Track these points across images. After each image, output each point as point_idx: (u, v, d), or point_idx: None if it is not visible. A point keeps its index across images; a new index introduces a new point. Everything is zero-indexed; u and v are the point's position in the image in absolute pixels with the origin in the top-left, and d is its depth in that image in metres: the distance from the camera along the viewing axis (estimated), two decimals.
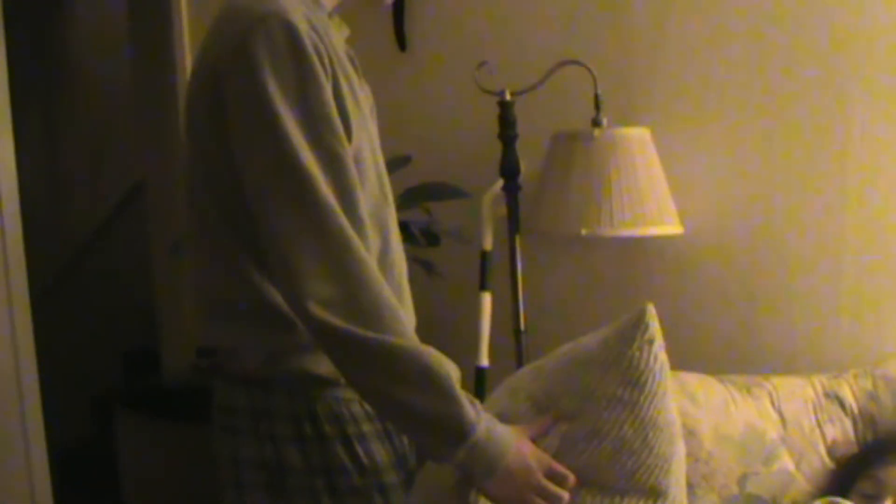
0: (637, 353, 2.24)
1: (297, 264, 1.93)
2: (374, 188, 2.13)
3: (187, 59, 4.18)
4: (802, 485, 2.95)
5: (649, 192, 3.15)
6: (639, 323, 2.26)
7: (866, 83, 3.26)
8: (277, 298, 2.03)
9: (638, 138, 3.19)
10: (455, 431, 1.99)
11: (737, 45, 3.36)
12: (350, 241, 1.95)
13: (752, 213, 3.37)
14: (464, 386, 2.02)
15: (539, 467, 2.12)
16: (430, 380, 1.97)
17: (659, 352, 2.26)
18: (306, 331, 1.97)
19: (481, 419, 2.01)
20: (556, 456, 2.16)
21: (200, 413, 2.18)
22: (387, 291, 1.98)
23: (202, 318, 2.15)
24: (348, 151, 2.01)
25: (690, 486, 2.48)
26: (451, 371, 2.01)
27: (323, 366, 2.04)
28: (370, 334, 1.93)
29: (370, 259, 1.99)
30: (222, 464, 2.17)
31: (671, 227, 3.19)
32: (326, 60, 2.00)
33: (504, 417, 2.17)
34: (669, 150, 3.28)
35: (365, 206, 2.04)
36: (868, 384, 3.10)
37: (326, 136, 1.98)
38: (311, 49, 1.98)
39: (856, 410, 3.07)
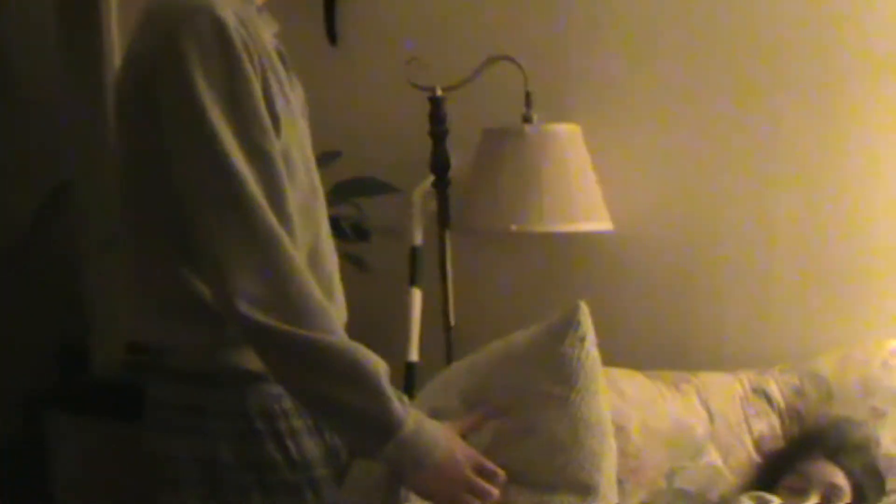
0: (569, 351, 2.25)
1: (226, 262, 1.92)
2: (303, 184, 2.12)
3: (116, 56, 4.14)
4: (730, 479, 2.97)
5: (579, 189, 3.16)
6: (571, 320, 2.27)
7: (793, 82, 3.30)
8: (208, 294, 2.02)
9: (568, 135, 3.20)
10: (383, 427, 1.99)
11: (667, 42, 3.38)
12: (278, 238, 1.94)
13: (681, 210, 3.40)
14: (393, 382, 2.02)
15: (468, 463, 2.12)
16: (358, 376, 1.97)
17: (591, 349, 2.27)
18: (234, 328, 1.96)
19: (410, 415, 2.01)
20: (486, 452, 2.16)
21: (132, 410, 2.16)
22: (315, 288, 1.98)
23: (134, 314, 2.14)
24: (277, 149, 2.00)
25: (619, 482, 2.48)
26: (380, 367, 2.00)
27: (254, 361, 2.03)
28: (298, 331, 1.92)
29: (298, 256, 1.98)
30: (155, 461, 2.15)
31: (601, 224, 3.20)
32: (256, 57, 1.99)
33: (434, 413, 2.17)
34: (600, 146, 3.28)
35: (293, 202, 2.03)
36: (795, 380, 3.13)
37: (255, 133, 1.96)
38: (240, 45, 1.96)
39: (782, 406, 3.10)
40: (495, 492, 2.15)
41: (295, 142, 2.09)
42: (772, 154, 3.35)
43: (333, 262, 2.25)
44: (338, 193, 3.08)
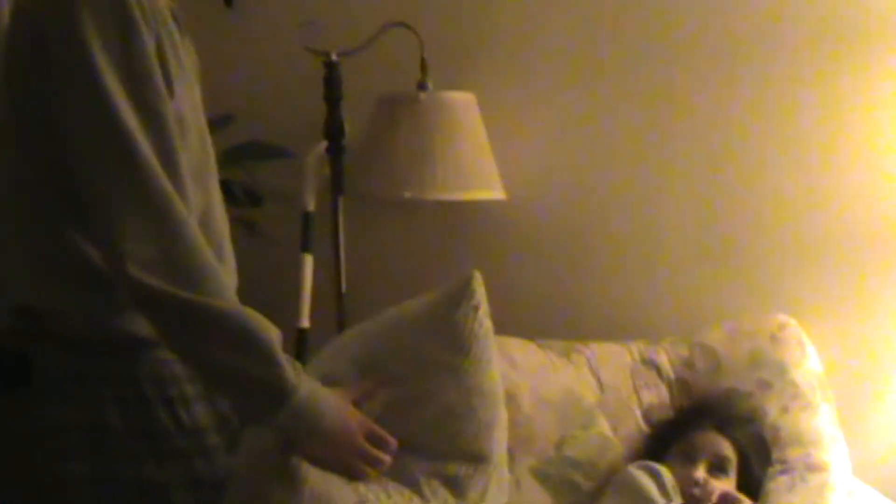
0: (462, 320, 2.25)
1: (116, 224, 1.89)
2: (195, 147, 2.09)
3: (4, 10, 4.04)
4: (618, 448, 3.00)
5: (473, 157, 3.16)
6: (464, 289, 2.27)
7: (688, 55, 3.33)
8: (98, 258, 1.98)
9: (463, 103, 3.20)
10: (275, 393, 1.97)
11: (563, 13, 3.38)
12: (170, 201, 1.91)
13: (575, 180, 3.41)
14: (284, 348, 2.00)
15: (360, 431, 2.11)
16: (249, 341, 1.95)
17: (484, 318, 2.27)
18: (124, 292, 1.93)
19: (302, 381, 2.00)
20: (378, 420, 2.16)
21: (18, 377, 2.11)
22: (207, 252, 1.95)
23: (20, 278, 2.09)
24: (170, 111, 1.96)
25: (509, 450, 2.50)
26: (272, 333, 1.99)
27: (144, 327, 2.00)
28: (189, 296, 1.90)
29: (191, 220, 1.95)
30: (43, 430, 2.10)
31: (494, 193, 3.20)
32: (150, 18, 1.95)
33: (327, 380, 2.16)
34: (494, 115, 3.28)
35: (186, 165, 2.00)
36: (684, 352, 3.16)
37: (148, 94, 1.93)
38: (134, 6, 1.92)
39: (672, 376, 3.13)
40: (387, 459, 2.15)
41: (188, 104, 2.06)
42: (664, 126, 3.37)
43: (225, 227, 2.22)
44: (230, 157, 3.04)
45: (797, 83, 3.32)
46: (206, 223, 2.10)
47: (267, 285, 2.80)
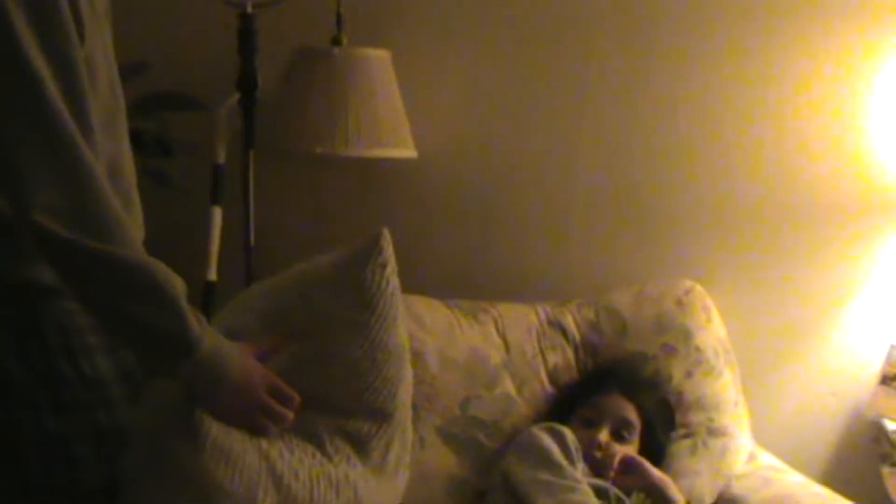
0: (370, 277, 2.25)
1: (22, 170, 1.86)
2: (105, 94, 2.06)
3: None
4: (523, 409, 3.01)
5: (386, 115, 3.14)
6: (373, 247, 2.26)
7: (609, 24, 3.36)
8: (2, 205, 1.95)
9: (378, 60, 3.18)
10: (179, 345, 1.96)
11: None
12: (78, 148, 1.88)
13: (487, 140, 3.41)
14: (191, 300, 1.99)
15: (264, 385, 2.11)
16: (154, 293, 1.94)
17: (391, 276, 2.27)
18: (29, 240, 1.90)
19: (206, 334, 1.99)
20: (283, 375, 2.16)
21: None
22: (114, 202, 1.92)
23: None
24: (81, 56, 1.93)
25: (414, 408, 2.50)
26: (177, 284, 1.97)
27: (47, 275, 1.97)
28: (96, 245, 1.88)
29: (99, 168, 1.92)
30: None
31: (405, 151, 3.19)
32: None
33: (233, 334, 2.15)
34: (409, 73, 3.27)
35: (95, 113, 1.96)
36: (591, 314, 3.18)
37: (58, 38, 1.89)
38: None
39: (578, 339, 3.15)
40: (290, 415, 2.15)
41: (100, 49, 2.03)
42: (578, 88, 3.39)
43: (132, 177, 2.20)
44: (141, 106, 3.00)
45: (715, 54, 3.35)
46: (114, 172, 2.07)
47: (175, 237, 2.78)
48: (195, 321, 1.97)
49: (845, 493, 2.86)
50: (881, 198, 3.33)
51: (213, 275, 3.13)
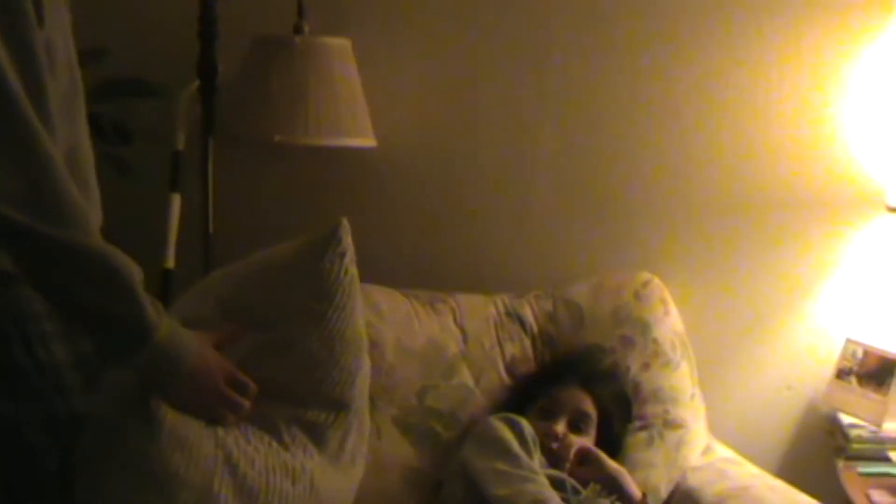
0: (328, 267, 2.24)
1: None
2: (64, 79, 2.04)
3: None
4: (480, 400, 3.01)
5: (345, 103, 3.14)
6: (332, 236, 2.26)
7: (569, 16, 3.37)
8: None
9: (338, 48, 3.17)
10: (135, 333, 1.95)
11: None
12: (36, 133, 1.87)
13: (446, 131, 3.41)
14: (149, 288, 1.98)
15: (221, 374, 2.10)
16: (111, 279, 1.93)
17: (350, 266, 2.27)
18: None
19: (163, 321, 1.98)
20: (241, 364, 2.15)
21: None
22: (72, 188, 1.91)
23: None
24: (40, 40, 1.91)
25: (371, 398, 2.51)
26: (135, 272, 1.96)
27: (3, 261, 1.95)
28: (53, 231, 1.86)
29: (56, 154, 1.91)
30: None
31: (365, 140, 3.19)
32: None
33: (191, 322, 2.14)
34: (369, 62, 3.26)
35: (54, 97, 1.95)
36: (548, 306, 3.19)
37: (17, 22, 1.88)
38: None
39: (535, 330, 3.15)
40: (247, 404, 2.15)
41: (58, 31, 2.01)
42: (538, 80, 3.39)
43: (91, 163, 2.18)
44: (101, 92, 2.98)
45: (674, 48, 3.36)
46: (72, 158, 2.05)
47: (133, 223, 2.77)
48: (152, 308, 1.96)
49: (800, 485, 2.88)
50: (838, 193, 3.35)
51: (170, 262, 3.12)
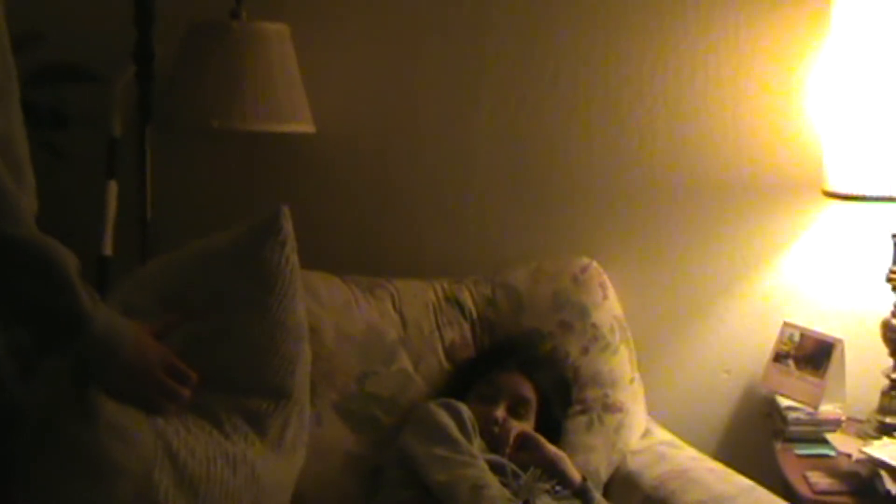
0: (269, 255, 2.24)
1: None
2: None
3: None
4: (420, 385, 3.01)
5: (284, 90, 3.12)
6: (272, 224, 2.26)
7: (507, 3, 3.35)
8: None
9: (276, 34, 3.15)
10: (71, 322, 1.94)
11: None
12: None
13: (385, 117, 3.40)
14: (86, 275, 1.97)
15: (160, 363, 2.10)
16: (46, 268, 1.92)
17: (290, 254, 2.27)
18: None
19: (99, 310, 1.97)
20: (181, 353, 2.14)
21: None
22: (5, 176, 1.89)
23: None
24: None
25: (312, 384, 2.50)
26: (70, 261, 1.95)
27: None
28: None
29: None
30: None
31: (303, 126, 3.18)
32: None
33: (129, 311, 2.13)
34: (308, 48, 3.24)
35: None
36: (487, 291, 3.19)
37: None
38: None
39: (475, 315, 3.15)
40: (186, 393, 2.14)
41: None
42: (477, 69, 3.39)
43: (25, 149, 2.16)
44: (36, 78, 2.96)
45: (610, 34, 3.37)
46: (4, 144, 2.03)
47: (70, 211, 2.75)
48: (87, 297, 1.95)
49: (739, 467, 2.90)
50: (775, 177, 3.37)
51: (108, 249, 3.10)
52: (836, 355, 3.22)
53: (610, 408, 3.08)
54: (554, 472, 2.76)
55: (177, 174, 3.31)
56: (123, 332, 2.02)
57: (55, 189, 2.31)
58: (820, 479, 2.91)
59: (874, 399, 3.20)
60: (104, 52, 3.18)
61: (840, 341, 3.23)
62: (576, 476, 2.79)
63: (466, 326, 3.14)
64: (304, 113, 3.17)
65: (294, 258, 2.29)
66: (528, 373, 2.91)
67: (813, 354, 3.25)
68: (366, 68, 3.39)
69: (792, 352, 3.29)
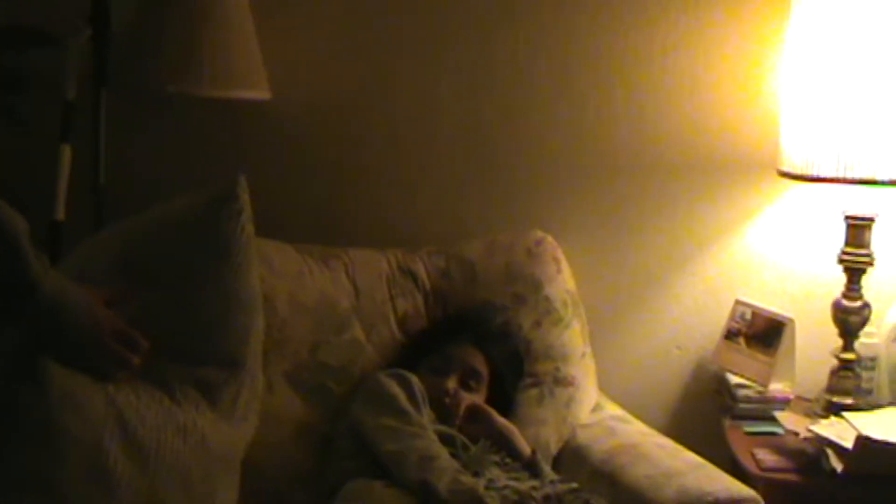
0: (225, 225, 2.23)
1: None
2: None
3: None
4: (372, 355, 3.01)
5: (240, 55, 3.11)
6: (229, 194, 2.25)
7: None
8: None
9: None
10: (19, 287, 1.93)
11: None
12: None
13: (343, 85, 3.39)
14: (37, 240, 1.95)
15: (110, 331, 2.08)
16: None
17: (246, 224, 2.26)
18: None
19: (49, 277, 1.95)
20: (133, 321, 2.13)
21: None
22: None
23: None
24: None
25: (263, 353, 2.49)
26: (19, 226, 1.93)
27: None
28: None
29: None
30: None
31: (259, 92, 3.16)
32: None
33: (82, 278, 2.12)
34: (265, 13, 3.23)
35: None
36: (441, 262, 3.18)
37: None
38: None
39: (428, 287, 3.15)
40: (136, 360, 2.13)
41: None
42: (437, 39, 3.38)
43: None
44: None
45: (569, 10, 3.36)
46: None
47: (22, 174, 2.73)
48: (37, 264, 1.93)
49: (688, 443, 2.92)
50: (730, 156, 3.38)
51: (61, 214, 3.07)
52: (786, 334, 3.24)
53: (561, 381, 3.09)
54: (503, 445, 2.77)
55: (132, 139, 3.29)
56: (72, 299, 2.01)
57: (7, 152, 2.29)
58: (767, 457, 2.93)
59: (823, 378, 3.22)
60: (59, 15, 3.15)
61: (791, 320, 3.26)
62: (525, 449, 2.80)
63: (419, 297, 3.14)
64: (260, 79, 3.16)
65: (250, 228, 2.28)
66: (481, 346, 2.92)
67: (764, 333, 3.27)
68: (324, 36, 3.38)
69: (743, 330, 3.31)
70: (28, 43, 3.15)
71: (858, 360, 3.19)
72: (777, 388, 3.23)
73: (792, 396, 3.24)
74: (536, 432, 2.98)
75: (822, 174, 3.02)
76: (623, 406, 3.22)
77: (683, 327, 3.46)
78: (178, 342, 2.21)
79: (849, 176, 2.99)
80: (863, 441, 2.76)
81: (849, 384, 3.17)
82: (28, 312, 1.93)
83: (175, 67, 3.03)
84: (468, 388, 2.87)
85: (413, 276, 3.16)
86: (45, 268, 1.94)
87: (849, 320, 3.16)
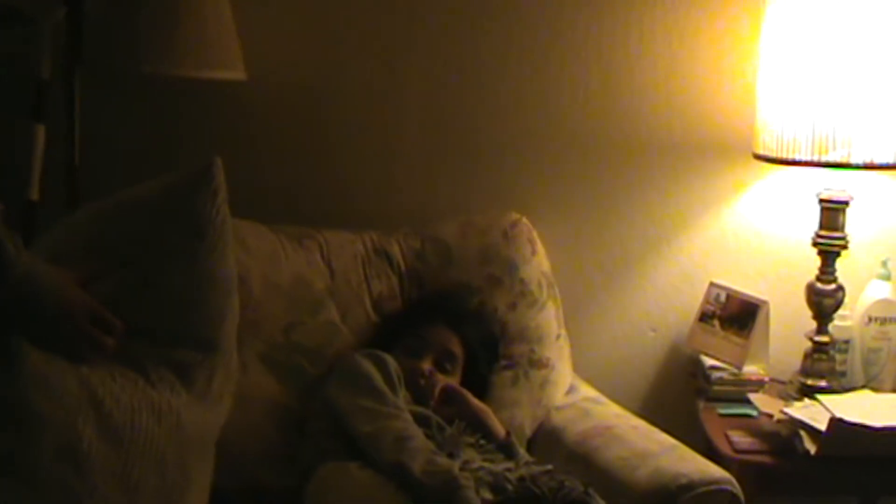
0: (201, 206, 2.23)
1: None
2: None
3: None
4: (347, 336, 3.01)
5: (216, 35, 3.10)
6: (205, 174, 2.24)
7: None
8: None
9: None
10: None
11: None
12: None
13: (318, 66, 3.38)
14: (11, 219, 1.94)
15: (84, 312, 2.08)
16: None
17: (222, 205, 2.26)
18: None
19: (21, 257, 1.94)
20: (108, 302, 2.13)
21: None
22: None
23: None
24: None
25: (238, 334, 2.48)
26: None
27: None
28: None
29: None
30: None
31: (234, 73, 3.15)
32: None
33: (57, 259, 2.11)
34: None
35: None
36: (416, 244, 3.18)
37: None
38: None
39: (403, 268, 3.15)
40: (110, 342, 2.12)
41: None
42: (410, 22, 3.37)
43: None
44: None
45: None
46: None
47: None
48: (10, 244, 1.92)
49: (662, 425, 2.93)
50: (705, 138, 3.39)
51: (35, 194, 3.06)
52: (760, 317, 3.26)
53: (536, 364, 3.10)
54: (478, 426, 2.78)
55: (106, 119, 3.27)
56: (46, 280, 2.00)
57: None
58: (741, 438, 2.95)
59: (797, 361, 3.24)
60: None
61: (765, 303, 3.27)
62: (500, 430, 2.80)
63: (394, 279, 3.13)
64: (235, 60, 3.15)
65: (225, 210, 2.27)
66: (456, 327, 2.92)
67: (738, 315, 3.28)
68: (300, 17, 3.36)
69: (718, 312, 3.32)
70: (1, 21, 3.13)
71: (832, 342, 3.21)
72: (751, 370, 3.25)
73: (766, 379, 3.25)
74: (511, 414, 2.99)
75: (797, 157, 3.03)
76: (598, 388, 3.22)
77: (658, 309, 3.47)
78: (152, 324, 2.21)
79: (823, 159, 3.01)
80: (836, 423, 2.78)
81: (823, 367, 3.19)
82: (1, 294, 1.92)
83: (150, 47, 3.01)
84: (443, 370, 2.88)
85: (388, 258, 3.16)
86: (18, 249, 1.94)
87: (823, 303, 3.17)
